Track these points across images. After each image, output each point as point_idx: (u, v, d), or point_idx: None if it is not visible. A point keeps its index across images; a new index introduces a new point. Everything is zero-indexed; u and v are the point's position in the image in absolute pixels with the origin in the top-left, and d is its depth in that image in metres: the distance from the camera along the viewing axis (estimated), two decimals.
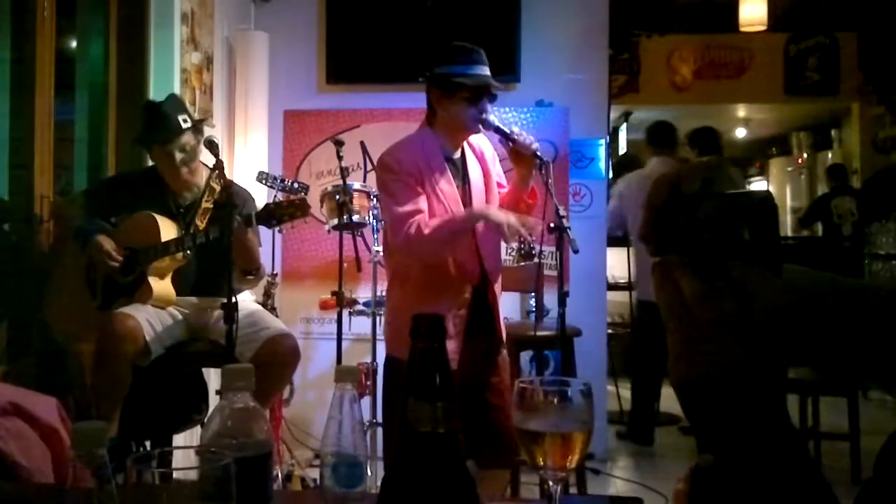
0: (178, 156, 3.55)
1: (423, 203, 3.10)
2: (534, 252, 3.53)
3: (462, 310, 3.16)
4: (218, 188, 3.56)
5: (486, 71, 3.20)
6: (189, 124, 3.57)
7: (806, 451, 0.86)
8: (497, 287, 3.30)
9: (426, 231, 3.03)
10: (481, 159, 3.32)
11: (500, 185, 3.38)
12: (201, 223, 3.55)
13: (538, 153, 3.17)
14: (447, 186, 3.16)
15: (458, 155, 3.27)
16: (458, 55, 3.20)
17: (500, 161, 3.42)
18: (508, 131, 3.18)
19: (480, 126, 3.19)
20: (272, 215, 3.42)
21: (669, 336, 0.86)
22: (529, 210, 3.24)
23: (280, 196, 4.33)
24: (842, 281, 0.89)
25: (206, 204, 3.58)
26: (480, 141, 3.34)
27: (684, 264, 0.84)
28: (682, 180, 0.87)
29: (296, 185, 4.32)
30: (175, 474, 0.94)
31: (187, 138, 3.57)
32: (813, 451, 4.91)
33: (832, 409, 5.27)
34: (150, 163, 3.71)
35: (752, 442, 0.81)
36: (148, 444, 3.53)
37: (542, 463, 1.10)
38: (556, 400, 1.11)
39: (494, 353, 3.25)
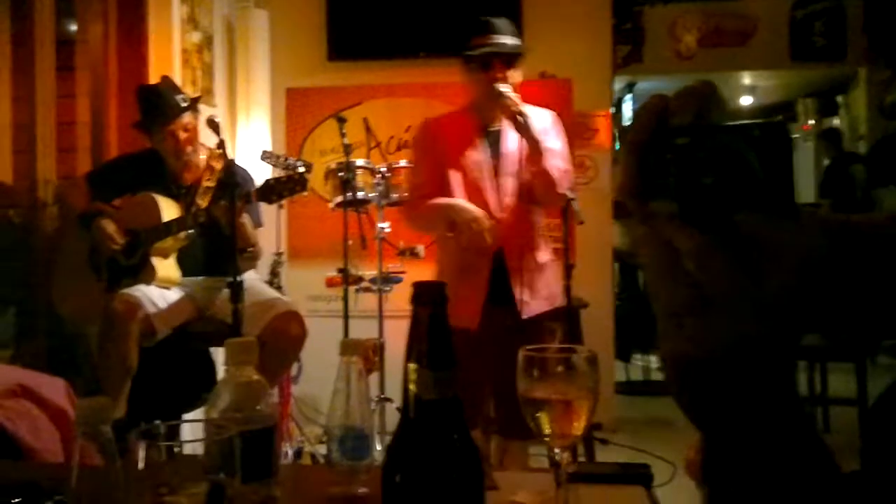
0: (182, 135, 3.56)
1: (431, 181, 3.27)
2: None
3: (480, 277, 3.20)
4: (218, 167, 3.57)
5: (502, 39, 3.29)
6: (187, 103, 3.58)
7: (814, 428, 0.73)
8: (519, 264, 3.29)
9: (414, 209, 3.33)
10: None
11: (534, 159, 3.38)
12: (203, 202, 3.56)
13: (518, 117, 3.19)
14: (477, 156, 3.28)
15: (496, 127, 3.35)
16: (475, 29, 3.33)
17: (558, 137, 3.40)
18: (503, 94, 3.22)
19: (492, 93, 3.23)
20: (271, 191, 3.43)
21: (657, 307, 0.72)
22: (537, 177, 3.25)
23: (283, 174, 4.32)
24: (859, 222, 0.77)
25: (208, 183, 3.58)
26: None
27: (676, 216, 0.68)
28: (671, 111, 0.70)
29: (299, 164, 4.31)
30: (180, 449, 0.94)
31: (188, 117, 3.58)
32: (821, 417, 4.91)
33: (842, 374, 5.27)
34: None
35: (756, 425, 0.69)
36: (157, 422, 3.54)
37: (548, 431, 1.10)
38: (560, 367, 1.10)
39: (520, 328, 3.24)
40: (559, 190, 3.25)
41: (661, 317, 0.71)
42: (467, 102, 3.42)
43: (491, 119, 3.33)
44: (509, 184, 3.27)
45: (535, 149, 3.22)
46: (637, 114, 0.73)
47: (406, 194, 3.43)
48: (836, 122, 10.83)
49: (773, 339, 0.67)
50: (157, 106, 3.57)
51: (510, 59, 3.29)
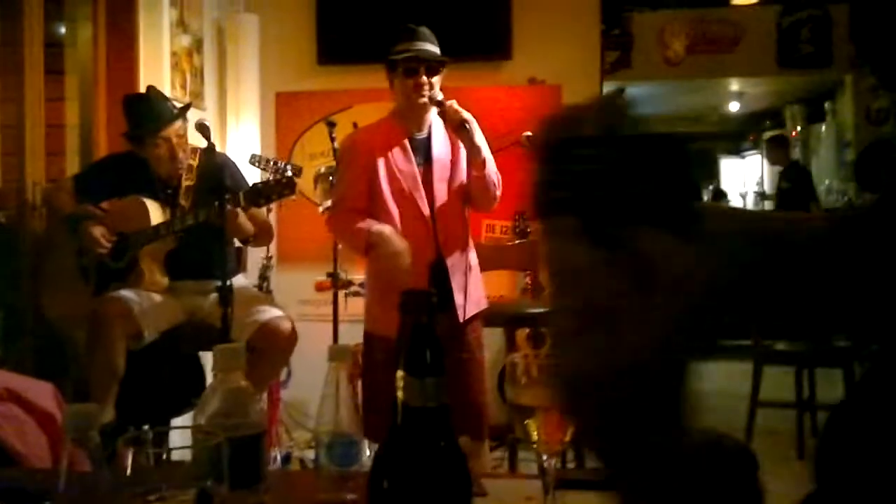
0: (175, 141, 3.56)
1: (356, 192, 3.29)
2: (528, 230, 3.55)
3: (419, 285, 3.21)
4: (195, 164, 3.61)
5: (427, 46, 3.32)
6: (177, 109, 3.60)
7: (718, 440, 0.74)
8: (456, 269, 3.33)
9: (339, 223, 3.37)
10: (452, 139, 3.37)
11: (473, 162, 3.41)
12: (186, 203, 3.57)
13: (466, 123, 3.21)
14: (405, 165, 3.30)
15: (423, 135, 3.38)
16: (401, 35, 3.36)
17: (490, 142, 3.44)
18: (442, 102, 3.26)
19: (427, 100, 3.27)
20: (260, 194, 3.43)
21: (553, 323, 0.67)
22: (476, 182, 3.29)
23: (271, 178, 4.32)
24: (782, 232, 0.76)
25: (188, 182, 3.60)
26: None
27: (579, 228, 0.65)
28: (580, 121, 0.67)
29: (288, 167, 4.31)
30: (168, 454, 0.94)
31: (180, 123, 3.59)
32: (809, 423, 4.93)
33: (829, 380, 5.29)
34: None
35: (653, 443, 0.65)
36: (146, 428, 3.53)
37: (536, 437, 1.10)
38: (547, 374, 1.11)
39: (458, 332, 3.28)
40: (498, 193, 3.33)
41: (556, 334, 0.67)
42: (390, 110, 3.42)
43: (416, 126, 3.35)
44: (442, 190, 3.31)
45: (477, 155, 3.26)
46: (545, 122, 0.70)
47: (331, 204, 3.46)
48: (823, 128, 10.87)
49: (668, 359, 0.64)
50: (148, 114, 3.57)
51: (435, 66, 3.31)
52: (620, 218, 0.64)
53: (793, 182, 8.88)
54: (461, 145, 3.35)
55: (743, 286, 0.75)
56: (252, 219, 3.60)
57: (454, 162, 3.36)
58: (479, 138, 3.24)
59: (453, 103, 3.25)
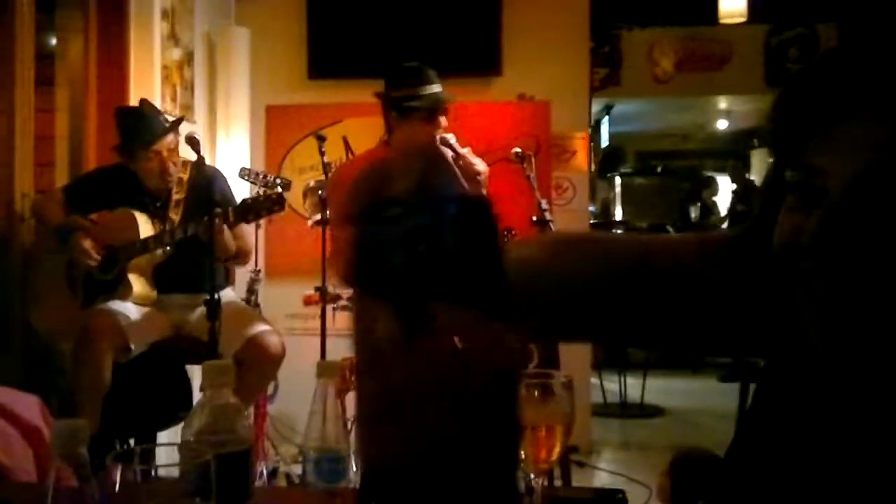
0: (166, 154, 3.56)
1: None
2: None
3: None
4: (185, 177, 3.59)
5: (438, 88, 3.30)
6: (169, 123, 3.61)
7: None
8: None
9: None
10: None
11: None
12: (176, 216, 3.56)
13: (479, 177, 3.25)
14: None
15: None
16: (409, 77, 3.35)
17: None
18: (458, 152, 3.27)
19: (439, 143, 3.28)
20: (249, 210, 3.43)
21: (359, 406, 0.61)
22: None
23: (262, 192, 4.32)
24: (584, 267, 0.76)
25: (177, 196, 3.59)
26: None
27: (379, 301, 0.58)
28: (390, 177, 0.60)
29: (278, 181, 4.31)
30: (155, 471, 0.94)
31: (171, 137, 3.59)
32: None
33: None
34: None
35: None
36: (132, 441, 3.52)
37: (523, 456, 1.11)
38: (537, 393, 1.11)
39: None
40: None
41: (361, 417, 0.62)
42: (382, 145, 3.43)
43: None
44: None
45: None
46: (357, 179, 0.63)
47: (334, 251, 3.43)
48: None
49: (475, 446, 0.57)
50: (140, 127, 3.57)
51: (445, 109, 3.33)
52: (420, 291, 0.57)
53: (748, 206, 8.97)
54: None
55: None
56: (237, 239, 3.58)
57: None
58: (484, 187, 3.26)
59: (470, 154, 3.25)
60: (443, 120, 3.27)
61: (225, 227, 3.44)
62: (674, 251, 0.86)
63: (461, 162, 3.24)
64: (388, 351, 0.57)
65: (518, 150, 3.33)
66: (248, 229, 3.73)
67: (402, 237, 0.56)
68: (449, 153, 3.36)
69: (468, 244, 0.56)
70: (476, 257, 0.57)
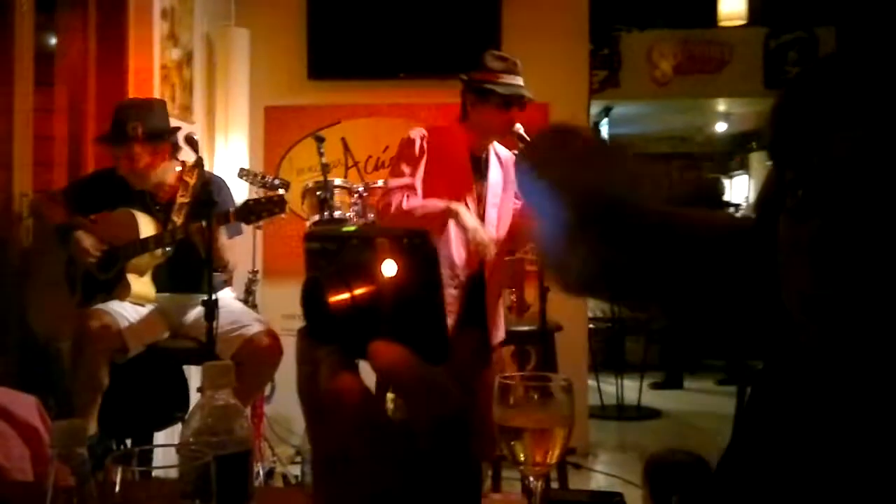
0: (125, 164, 3.56)
1: (417, 181, 3.30)
2: (513, 249, 3.58)
3: (454, 289, 3.21)
4: (192, 182, 3.57)
5: (519, 81, 3.35)
6: (137, 132, 3.54)
7: None
8: (492, 290, 3.35)
9: (405, 206, 3.27)
10: (505, 168, 3.44)
11: (517, 196, 3.46)
12: (178, 219, 3.55)
13: None
14: (463, 178, 3.35)
15: (483, 155, 3.44)
16: (494, 62, 3.39)
17: None
18: (523, 138, 3.31)
19: (508, 133, 3.34)
20: (250, 212, 3.43)
21: (312, 446, 0.58)
22: (523, 219, 3.36)
23: (260, 193, 4.32)
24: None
25: (182, 199, 3.58)
26: (507, 153, 3.51)
27: (323, 342, 0.55)
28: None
29: (276, 182, 4.31)
30: (155, 472, 0.94)
31: (138, 148, 3.54)
32: None
33: None
34: None
35: None
36: (129, 441, 3.52)
37: (522, 459, 1.11)
38: (536, 396, 1.11)
39: (487, 349, 3.30)
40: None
41: (312, 462, 0.58)
42: (462, 124, 3.46)
43: (480, 146, 3.39)
44: (492, 214, 3.34)
45: None
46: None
47: (388, 187, 3.37)
48: None
49: (425, 497, 0.54)
50: (113, 126, 3.58)
51: (524, 103, 3.39)
52: (349, 329, 0.53)
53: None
54: (511, 178, 3.40)
55: None
56: (226, 251, 3.55)
57: (505, 189, 3.41)
58: None
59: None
60: (516, 115, 3.30)
61: (223, 235, 3.44)
62: (694, 227, 0.86)
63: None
64: (331, 399, 0.54)
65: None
66: (236, 242, 3.72)
67: (337, 276, 0.53)
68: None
69: (406, 285, 0.53)
70: (412, 295, 0.53)
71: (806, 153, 0.68)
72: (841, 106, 0.67)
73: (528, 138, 3.29)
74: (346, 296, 0.53)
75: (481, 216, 3.32)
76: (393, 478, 0.53)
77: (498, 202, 3.37)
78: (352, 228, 0.54)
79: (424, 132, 3.44)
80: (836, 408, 0.69)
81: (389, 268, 0.52)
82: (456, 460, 0.54)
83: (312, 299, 0.54)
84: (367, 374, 0.55)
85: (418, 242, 0.53)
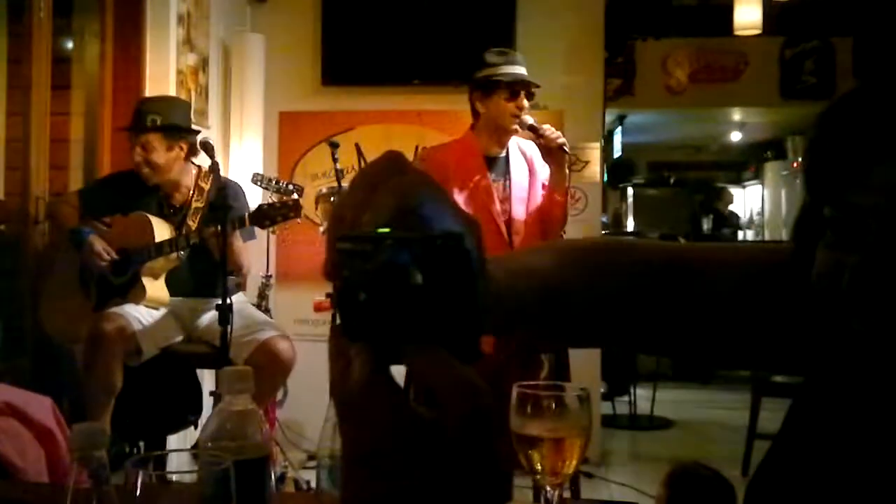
0: (138, 153, 3.54)
1: None
2: None
3: None
4: (206, 187, 3.58)
5: (522, 70, 3.38)
6: (156, 124, 3.56)
7: None
8: None
9: None
10: (529, 162, 3.45)
11: (544, 187, 3.46)
12: (193, 223, 3.56)
13: (564, 147, 3.30)
14: (481, 180, 3.32)
15: (502, 154, 3.43)
16: (494, 57, 3.40)
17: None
18: (538, 126, 3.33)
19: (517, 124, 3.33)
20: (265, 216, 3.44)
21: (342, 444, 0.58)
22: (557, 207, 3.35)
23: (274, 197, 4.33)
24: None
25: (197, 204, 3.59)
26: (529, 146, 3.48)
27: (356, 340, 0.56)
28: (365, 208, 0.59)
29: (290, 187, 4.31)
30: (174, 477, 0.94)
31: (152, 138, 3.55)
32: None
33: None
34: None
35: None
36: (142, 444, 3.53)
37: (539, 468, 1.10)
38: (553, 405, 1.11)
39: (527, 351, 3.29)
40: (566, 222, 3.43)
41: (343, 460, 0.58)
42: (466, 130, 3.47)
43: (496, 145, 3.39)
44: (520, 210, 3.34)
45: (564, 180, 3.31)
46: (334, 209, 0.62)
47: None
48: None
49: (452, 495, 0.54)
50: (133, 117, 3.59)
51: (531, 91, 3.39)
52: (380, 327, 0.55)
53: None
54: (537, 170, 3.40)
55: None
56: (238, 255, 3.55)
57: (531, 184, 3.41)
58: (568, 159, 3.34)
59: (550, 127, 3.30)
60: (525, 101, 3.31)
61: (238, 239, 3.45)
62: (708, 263, 0.86)
63: (543, 137, 3.30)
64: (361, 397, 0.55)
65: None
66: (250, 246, 3.72)
67: (370, 275, 0.54)
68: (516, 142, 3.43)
69: (438, 282, 0.54)
70: (446, 296, 0.54)
71: (844, 186, 0.68)
72: (879, 138, 0.66)
73: (540, 129, 3.30)
74: (379, 295, 0.54)
75: (507, 214, 3.33)
76: (423, 476, 0.54)
77: (525, 195, 3.38)
78: (386, 230, 0.54)
79: (430, 152, 3.50)
80: (884, 433, 0.69)
81: (424, 269, 0.54)
82: (485, 459, 0.54)
83: (347, 298, 0.55)
84: (398, 372, 0.56)
85: (452, 244, 0.55)
